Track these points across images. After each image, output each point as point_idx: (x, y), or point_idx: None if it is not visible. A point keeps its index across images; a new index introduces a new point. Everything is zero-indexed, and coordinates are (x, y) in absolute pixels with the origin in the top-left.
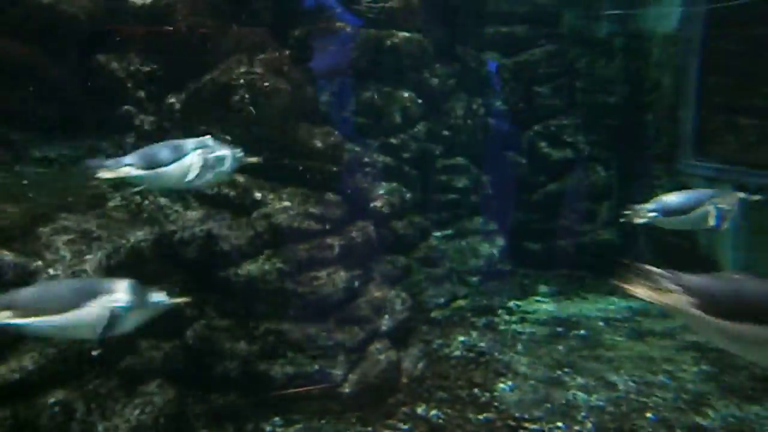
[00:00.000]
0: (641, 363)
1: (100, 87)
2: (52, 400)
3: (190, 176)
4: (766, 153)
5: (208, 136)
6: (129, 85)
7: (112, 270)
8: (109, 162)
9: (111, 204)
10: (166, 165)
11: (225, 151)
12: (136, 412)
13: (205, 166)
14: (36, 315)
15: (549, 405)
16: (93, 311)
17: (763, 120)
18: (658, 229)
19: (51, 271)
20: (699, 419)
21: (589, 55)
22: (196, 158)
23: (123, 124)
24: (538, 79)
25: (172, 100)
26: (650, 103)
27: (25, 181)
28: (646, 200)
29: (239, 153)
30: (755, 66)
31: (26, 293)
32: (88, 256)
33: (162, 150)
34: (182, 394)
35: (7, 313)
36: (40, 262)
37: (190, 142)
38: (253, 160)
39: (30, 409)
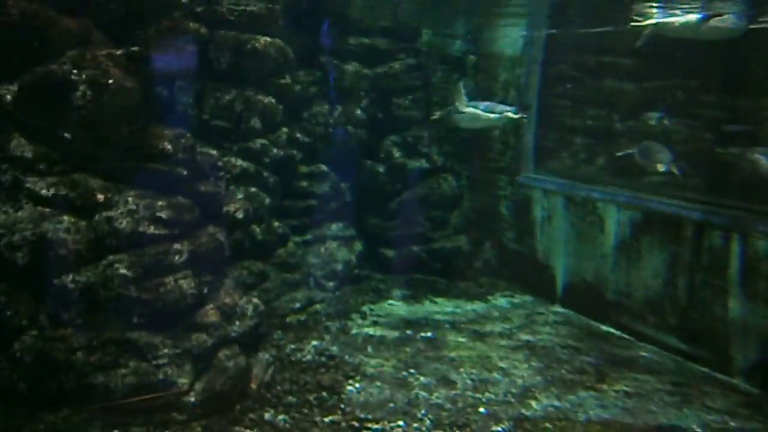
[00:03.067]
0: (480, 362)
1: None
2: None
3: None
4: (593, 169)
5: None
6: None
7: None
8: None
9: None
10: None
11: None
12: None
13: None
14: None
15: (392, 405)
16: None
17: (591, 139)
18: (503, 238)
19: None
20: (524, 410)
21: (444, 71)
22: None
23: None
24: (396, 91)
25: (3, 92)
26: None
27: None
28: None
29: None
30: (586, 90)
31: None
32: None
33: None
34: (7, 413)
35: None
36: None
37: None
38: None
39: None
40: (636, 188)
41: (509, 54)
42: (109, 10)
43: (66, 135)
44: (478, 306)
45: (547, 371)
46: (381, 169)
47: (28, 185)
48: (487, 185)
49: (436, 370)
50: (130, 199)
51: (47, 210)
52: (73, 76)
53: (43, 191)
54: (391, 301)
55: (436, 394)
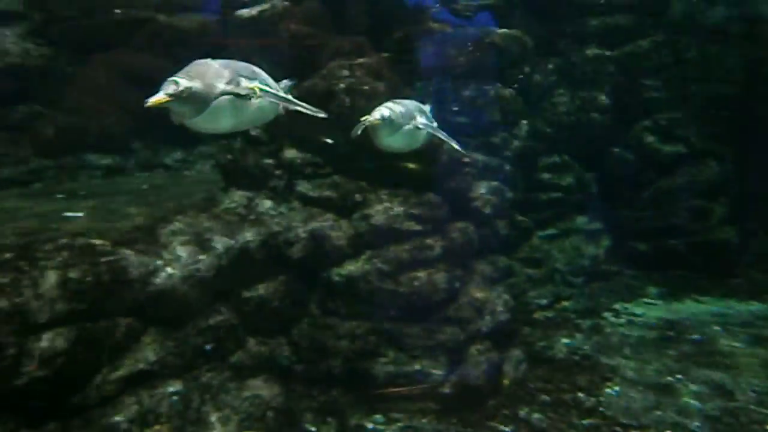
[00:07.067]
0: (763, 371)
1: None
2: (171, 389)
3: None
4: None
5: None
6: None
7: (223, 269)
8: None
9: (221, 207)
10: None
11: None
12: (246, 404)
13: None
14: None
15: (659, 413)
16: None
17: None
18: None
19: (169, 270)
20: None
21: (700, 43)
22: None
23: None
24: (645, 72)
25: None
26: None
27: (145, 186)
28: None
29: None
30: None
31: None
32: (201, 257)
33: None
34: (288, 389)
35: None
36: (159, 262)
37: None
38: None
39: (152, 398)
40: None
41: None
42: (359, 23)
43: (328, 140)
44: (754, 306)
45: None
46: (631, 157)
47: (298, 188)
48: (763, 167)
49: (707, 378)
50: (384, 197)
51: (315, 209)
52: (333, 87)
53: (311, 193)
54: (646, 299)
55: (710, 405)
